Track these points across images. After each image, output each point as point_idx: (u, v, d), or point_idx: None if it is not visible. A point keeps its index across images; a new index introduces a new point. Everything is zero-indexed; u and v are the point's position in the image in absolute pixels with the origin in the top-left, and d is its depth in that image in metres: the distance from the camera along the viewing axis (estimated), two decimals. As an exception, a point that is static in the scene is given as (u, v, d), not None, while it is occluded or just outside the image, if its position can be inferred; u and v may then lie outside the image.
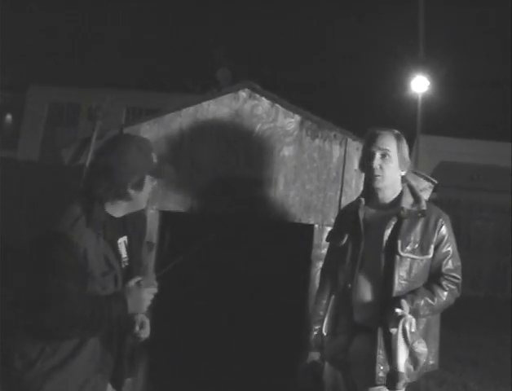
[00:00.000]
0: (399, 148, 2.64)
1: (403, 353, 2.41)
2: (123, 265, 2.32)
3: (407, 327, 2.39)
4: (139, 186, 2.24)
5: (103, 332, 2.20)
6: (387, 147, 2.62)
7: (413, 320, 2.42)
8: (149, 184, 2.29)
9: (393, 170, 2.64)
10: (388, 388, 2.46)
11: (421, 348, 2.47)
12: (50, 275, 2.08)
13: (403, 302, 2.46)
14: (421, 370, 2.56)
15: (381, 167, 2.62)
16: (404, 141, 2.69)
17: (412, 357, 2.46)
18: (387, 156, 2.62)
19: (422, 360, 2.49)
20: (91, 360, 2.19)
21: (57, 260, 2.08)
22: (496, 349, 6.94)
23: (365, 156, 2.69)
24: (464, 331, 7.55)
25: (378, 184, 2.64)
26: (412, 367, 2.49)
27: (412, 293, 2.54)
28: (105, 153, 2.25)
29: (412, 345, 2.42)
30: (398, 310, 2.41)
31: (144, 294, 2.25)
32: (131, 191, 2.23)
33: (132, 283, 2.25)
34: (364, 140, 2.75)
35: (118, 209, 2.28)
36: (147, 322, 2.36)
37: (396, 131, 2.69)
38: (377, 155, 2.62)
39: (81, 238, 2.11)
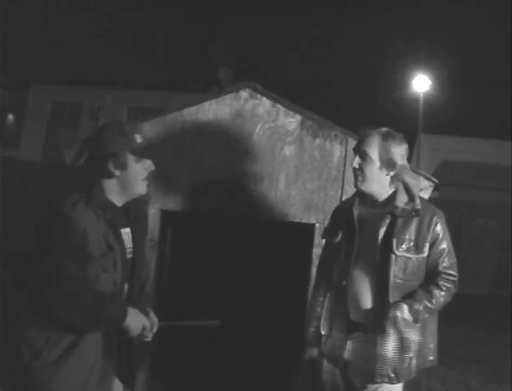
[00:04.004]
0: (383, 148, 2.56)
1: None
2: (128, 256, 2.36)
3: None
4: (121, 165, 2.28)
5: (101, 330, 2.23)
6: (366, 149, 2.57)
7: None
8: (134, 164, 2.31)
9: (374, 172, 2.58)
10: None
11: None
12: (50, 254, 2.14)
13: (405, 307, 2.49)
14: (418, 365, 2.56)
15: (361, 168, 2.59)
16: (393, 140, 2.58)
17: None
18: (367, 158, 2.57)
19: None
20: (95, 347, 2.22)
21: (57, 239, 2.14)
22: (498, 347, 6.94)
23: None
24: (466, 329, 7.55)
25: (360, 186, 2.61)
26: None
27: (411, 298, 2.53)
28: (89, 140, 2.36)
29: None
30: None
31: (142, 318, 2.31)
32: (115, 171, 2.28)
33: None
34: None
35: (116, 195, 2.32)
36: (155, 322, 2.39)
37: (384, 130, 2.60)
38: (357, 157, 2.60)
39: (81, 218, 2.17)
